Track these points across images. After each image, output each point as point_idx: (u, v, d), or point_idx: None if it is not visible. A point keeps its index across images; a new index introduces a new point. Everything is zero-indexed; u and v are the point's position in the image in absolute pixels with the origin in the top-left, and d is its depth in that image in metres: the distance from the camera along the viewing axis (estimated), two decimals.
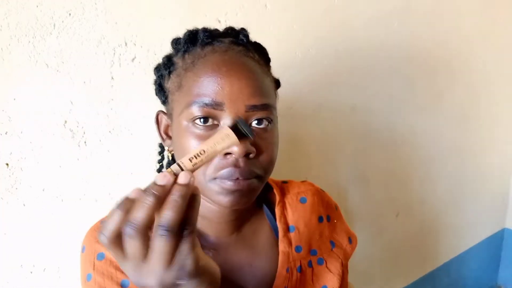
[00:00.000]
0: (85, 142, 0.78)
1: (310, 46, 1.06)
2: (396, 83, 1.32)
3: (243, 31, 0.59)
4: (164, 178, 0.39)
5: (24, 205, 0.75)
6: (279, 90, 0.64)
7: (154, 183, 0.39)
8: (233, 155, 0.50)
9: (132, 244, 0.38)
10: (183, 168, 0.41)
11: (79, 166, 0.78)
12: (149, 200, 0.37)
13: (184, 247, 0.38)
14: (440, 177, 1.61)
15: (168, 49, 0.82)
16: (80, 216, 0.80)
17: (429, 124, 1.48)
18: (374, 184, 1.36)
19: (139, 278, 0.40)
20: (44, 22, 0.71)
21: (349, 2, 1.12)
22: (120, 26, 0.78)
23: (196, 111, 0.51)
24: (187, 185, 0.39)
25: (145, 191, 0.38)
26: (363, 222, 1.35)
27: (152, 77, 0.82)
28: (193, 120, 0.52)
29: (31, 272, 0.77)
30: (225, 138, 0.45)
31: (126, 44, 0.79)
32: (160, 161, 0.69)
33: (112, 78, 0.79)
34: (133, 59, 0.80)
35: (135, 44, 0.80)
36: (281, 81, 0.64)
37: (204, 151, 0.43)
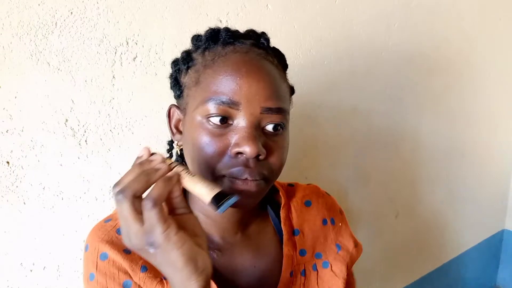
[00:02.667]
0: (86, 141, 0.78)
1: (310, 46, 1.07)
2: (397, 83, 1.32)
3: (264, 35, 0.59)
4: (144, 151, 0.48)
5: (24, 203, 0.75)
6: None
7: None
8: (244, 155, 0.50)
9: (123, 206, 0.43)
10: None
11: (80, 164, 0.78)
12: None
13: (149, 216, 0.42)
14: (440, 177, 1.61)
15: (169, 49, 0.83)
16: (81, 215, 0.80)
17: (429, 124, 1.48)
18: (374, 184, 1.36)
19: (125, 238, 0.45)
20: (46, 21, 0.71)
21: (350, 2, 1.12)
22: (121, 25, 0.78)
23: (212, 108, 0.51)
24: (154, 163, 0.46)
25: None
26: (363, 222, 1.35)
27: (153, 76, 0.83)
28: (207, 117, 0.52)
29: (31, 271, 0.77)
30: (208, 187, 0.46)
31: (127, 43, 0.79)
32: (168, 158, 0.69)
33: (114, 77, 0.79)
34: (134, 58, 0.80)
35: (136, 43, 0.80)
36: None
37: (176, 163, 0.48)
